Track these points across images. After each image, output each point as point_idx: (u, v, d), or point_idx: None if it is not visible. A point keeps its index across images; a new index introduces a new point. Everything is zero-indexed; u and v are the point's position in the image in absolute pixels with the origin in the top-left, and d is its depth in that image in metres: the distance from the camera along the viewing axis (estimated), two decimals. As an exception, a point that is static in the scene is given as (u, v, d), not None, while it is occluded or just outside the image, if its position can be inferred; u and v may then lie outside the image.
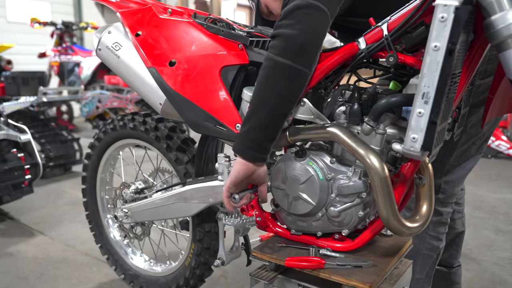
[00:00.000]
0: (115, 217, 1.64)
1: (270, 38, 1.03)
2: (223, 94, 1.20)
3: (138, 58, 1.32)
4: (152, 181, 1.67)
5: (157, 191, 1.55)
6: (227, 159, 1.24)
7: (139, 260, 1.80)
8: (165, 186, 1.58)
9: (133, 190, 1.64)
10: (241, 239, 1.39)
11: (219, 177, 1.28)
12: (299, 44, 0.96)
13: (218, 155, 1.26)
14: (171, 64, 1.27)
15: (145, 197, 1.61)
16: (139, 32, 1.33)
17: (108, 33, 1.39)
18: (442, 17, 0.82)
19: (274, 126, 1.02)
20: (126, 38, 1.36)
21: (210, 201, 1.33)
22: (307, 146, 1.15)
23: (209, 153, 1.43)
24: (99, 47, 1.40)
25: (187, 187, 1.37)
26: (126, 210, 1.57)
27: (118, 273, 1.83)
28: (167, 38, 1.31)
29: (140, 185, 1.65)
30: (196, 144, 1.49)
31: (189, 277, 1.54)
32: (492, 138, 4.05)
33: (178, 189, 1.40)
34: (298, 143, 1.12)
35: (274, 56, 0.98)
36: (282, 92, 0.99)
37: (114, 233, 1.83)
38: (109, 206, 1.83)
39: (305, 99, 1.08)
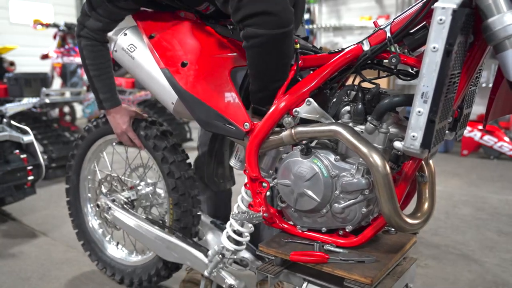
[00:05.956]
0: (97, 205, 1.70)
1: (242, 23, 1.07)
2: (232, 94, 1.23)
3: (152, 59, 1.35)
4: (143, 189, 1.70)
5: (146, 218, 1.60)
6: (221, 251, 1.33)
7: (113, 249, 1.86)
8: (152, 218, 1.62)
9: (124, 198, 1.66)
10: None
11: (209, 252, 1.37)
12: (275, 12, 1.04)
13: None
14: (183, 65, 1.31)
15: (133, 207, 1.66)
16: (153, 34, 1.37)
17: (124, 35, 1.43)
18: (440, 19, 0.86)
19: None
20: (140, 40, 1.40)
21: (187, 263, 1.44)
22: (313, 144, 1.18)
23: (218, 151, 1.47)
24: (115, 49, 1.44)
25: (173, 239, 1.46)
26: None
27: (92, 258, 1.87)
28: (179, 40, 1.35)
29: (133, 196, 1.68)
30: (181, 148, 1.54)
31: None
32: (494, 139, 4.08)
33: (164, 234, 1.49)
34: (304, 142, 1.15)
35: (262, 31, 1.05)
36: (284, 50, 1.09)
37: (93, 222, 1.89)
38: (89, 195, 1.87)
39: (310, 99, 1.11)
